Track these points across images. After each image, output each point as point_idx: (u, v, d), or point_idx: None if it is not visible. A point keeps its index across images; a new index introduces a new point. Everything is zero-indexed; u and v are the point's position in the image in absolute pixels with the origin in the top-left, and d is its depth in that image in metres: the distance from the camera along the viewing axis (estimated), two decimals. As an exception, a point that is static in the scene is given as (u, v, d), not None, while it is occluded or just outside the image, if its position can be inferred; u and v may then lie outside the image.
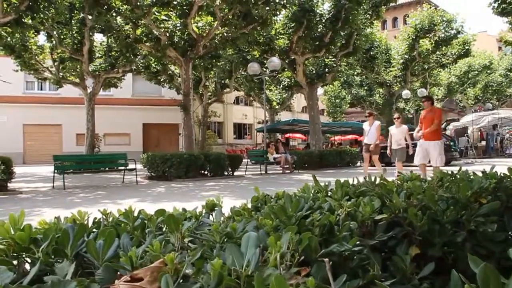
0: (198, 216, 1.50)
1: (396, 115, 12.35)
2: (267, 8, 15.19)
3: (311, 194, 2.00)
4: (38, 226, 1.31)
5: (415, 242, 1.55)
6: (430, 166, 10.08)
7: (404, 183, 2.18)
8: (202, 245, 1.14)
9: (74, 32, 19.82)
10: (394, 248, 1.53)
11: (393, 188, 1.95)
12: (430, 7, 27.84)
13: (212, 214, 1.61)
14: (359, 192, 2.07)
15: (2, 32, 15.56)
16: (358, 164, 23.45)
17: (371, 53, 27.06)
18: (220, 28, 16.31)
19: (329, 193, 1.99)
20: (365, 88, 36.17)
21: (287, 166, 18.56)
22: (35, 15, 12.64)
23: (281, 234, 1.06)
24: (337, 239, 1.31)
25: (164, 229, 1.32)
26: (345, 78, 32.15)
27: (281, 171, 18.45)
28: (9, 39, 17.39)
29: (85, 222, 1.40)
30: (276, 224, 1.29)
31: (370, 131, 12.60)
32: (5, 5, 12.14)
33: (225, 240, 1.17)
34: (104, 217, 1.48)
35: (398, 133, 11.90)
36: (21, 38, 18.73)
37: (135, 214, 1.49)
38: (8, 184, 11.70)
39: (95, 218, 1.55)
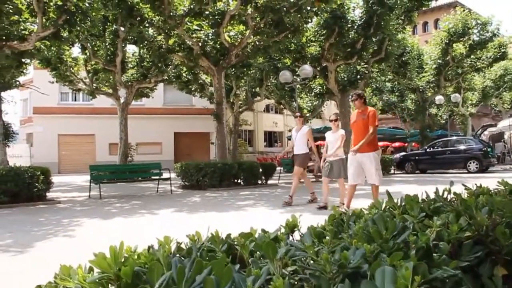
0: (281, 238, 1.41)
1: (332, 117, 9.41)
2: (299, 15, 15.09)
3: (386, 211, 1.89)
4: (127, 254, 1.23)
5: (500, 262, 1.44)
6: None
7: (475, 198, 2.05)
8: (315, 277, 1.03)
9: (107, 44, 20.14)
10: (475, 268, 1.42)
11: (472, 203, 1.82)
12: (464, 11, 27.22)
13: (292, 235, 1.52)
14: (433, 208, 1.95)
15: (41, 46, 15.97)
16: (392, 170, 23.06)
17: (403, 59, 26.59)
18: (252, 36, 16.30)
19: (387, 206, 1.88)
20: (396, 94, 35.62)
21: (320, 174, 18.35)
22: (72, 28, 12.85)
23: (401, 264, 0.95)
24: (437, 263, 1.20)
25: (255, 254, 1.23)
26: (377, 85, 31.68)
27: (314, 179, 18.26)
28: (46, 52, 17.79)
29: (170, 246, 1.32)
30: (373, 248, 1.19)
31: (299, 139, 9.96)
32: (44, 20, 12.39)
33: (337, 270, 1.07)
34: (192, 242, 1.40)
35: (334, 141, 9.08)
36: (57, 51, 19.13)
37: (202, 237, 1.40)
38: (47, 194, 11.90)
39: (178, 244, 1.46)
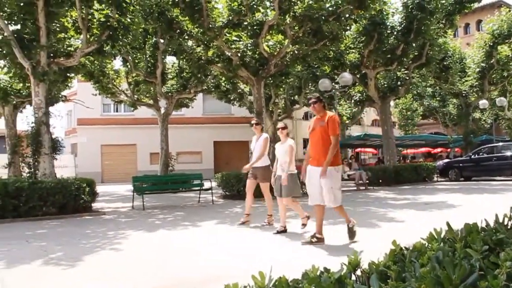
0: (345, 278, 1.38)
1: (280, 124, 8.21)
2: (338, 24, 14.99)
3: (446, 243, 1.83)
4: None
5: None
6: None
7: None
8: None
9: (147, 56, 20.56)
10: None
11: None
12: (509, 11, 26.27)
13: (355, 274, 1.48)
14: (496, 240, 1.87)
15: (85, 61, 16.47)
16: (435, 178, 22.54)
17: (445, 63, 25.98)
18: (290, 46, 16.29)
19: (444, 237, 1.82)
20: (438, 99, 34.84)
21: (361, 182, 18.13)
22: (114, 43, 13.18)
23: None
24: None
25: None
26: (417, 90, 31.06)
27: (355, 188, 18.05)
28: (89, 66, 18.34)
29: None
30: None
31: (256, 149, 8.67)
32: (88, 36, 12.76)
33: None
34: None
35: (283, 154, 7.74)
36: (100, 64, 19.66)
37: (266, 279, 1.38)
38: (92, 205, 12.19)
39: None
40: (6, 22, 12.16)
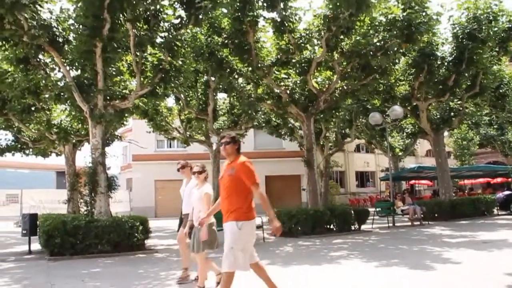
0: None
1: (196, 168, 6.95)
2: (386, 58, 14.96)
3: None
4: None
5: None
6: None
7: None
8: None
9: (199, 94, 21.12)
10: None
11: None
12: None
13: None
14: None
15: (140, 103, 17.16)
16: (495, 211, 21.62)
17: (501, 91, 25.14)
18: (339, 81, 16.37)
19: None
20: (495, 127, 33.69)
21: (416, 217, 17.66)
22: (167, 85, 13.69)
23: None
24: None
25: None
26: (473, 120, 30.16)
27: (410, 224, 17.60)
28: (144, 106, 19.08)
29: None
30: None
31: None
32: (141, 79, 13.33)
33: None
34: None
35: (199, 200, 6.70)
36: (153, 104, 20.38)
37: None
38: (146, 242, 12.47)
39: None
40: (68, 68, 12.94)
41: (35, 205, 25.32)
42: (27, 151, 22.03)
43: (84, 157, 15.85)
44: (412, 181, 36.40)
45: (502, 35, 19.03)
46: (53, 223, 10.97)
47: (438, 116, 21.78)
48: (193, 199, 6.89)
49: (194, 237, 6.51)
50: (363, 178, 41.46)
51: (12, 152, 21.67)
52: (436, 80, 19.02)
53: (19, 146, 21.52)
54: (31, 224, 12.12)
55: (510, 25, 19.01)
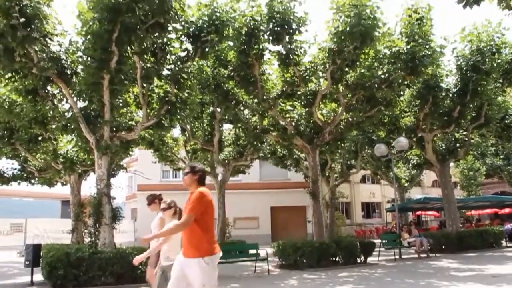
0: None
1: (163, 205, 6.40)
2: (391, 90, 15.06)
3: None
4: None
5: None
6: None
7: None
8: None
9: (205, 125, 21.23)
10: None
11: None
12: None
13: None
14: None
15: (146, 134, 17.27)
16: (504, 243, 21.35)
17: (506, 122, 25.15)
18: (344, 113, 16.47)
19: None
20: (501, 157, 33.55)
21: (423, 249, 17.44)
22: (173, 117, 13.81)
23: None
24: None
25: None
26: (479, 151, 30.07)
27: (416, 256, 17.38)
28: (149, 138, 19.22)
29: None
30: None
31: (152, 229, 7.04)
32: (148, 111, 13.46)
33: None
34: None
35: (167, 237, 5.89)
36: (159, 134, 20.51)
37: None
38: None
39: None
40: (75, 99, 13.10)
41: (39, 234, 25.22)
42: (32, 180, 22.14)
43: (89, 188, 15.94)
44: (419, 212, 36.11)
45: (506, 66, 19.16)
46: (57, 254, 10.94)
47: (444, 147, 21.75)
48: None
49: (162, 277, 5.86)
50: (369, 209, 41.14)
51: (18, 181, 21.79)
52: (441, 111, 19.06)
53: (25, 175, 21.65)
54: (34, 255, 12.04)
55: (513, 57, 19.18)
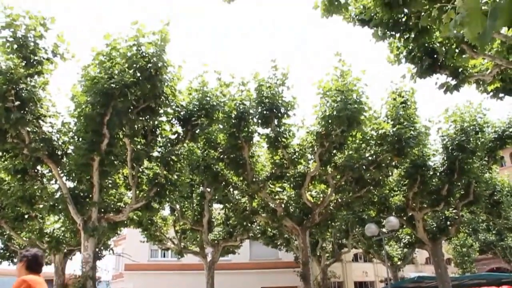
0: None
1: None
2: (379, 171, 15.24)
3: None
4: None
5: None
6: None
7: None
8: None
9: (194, 205, 21.06)
10: None
11: None
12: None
13: None
14: None
15: (134, 216, 17.11)
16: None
17: (495, 198, 25.25)
18: (334, 194, 16.52)
19: None
20: (494, 232, 33.34)
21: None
22: (162, 199, 13.76)
23: None
24: None
25: None
26: (470, 228, 29.94)
27: None
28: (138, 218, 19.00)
29: None
30: None
31: None
32: (137, 192, 13.41)
33: None
34: None
35: None
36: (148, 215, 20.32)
37: None
38: None
39: None
40: (64, 179, 13.03)
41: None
42: (15, 259, 21.54)
43: (74, 270, 15.56)
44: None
45: (490, 144, 19.61)
46: None
47: (435, 226, 21.65)
48: None
49: None
50: (362, 288, 40.15)
51: (0, 260, 21.20)
52: (430, 190, 19.16)
53: (7, 254, 21.08)
54: None
55: (496, 136, 19.66)
